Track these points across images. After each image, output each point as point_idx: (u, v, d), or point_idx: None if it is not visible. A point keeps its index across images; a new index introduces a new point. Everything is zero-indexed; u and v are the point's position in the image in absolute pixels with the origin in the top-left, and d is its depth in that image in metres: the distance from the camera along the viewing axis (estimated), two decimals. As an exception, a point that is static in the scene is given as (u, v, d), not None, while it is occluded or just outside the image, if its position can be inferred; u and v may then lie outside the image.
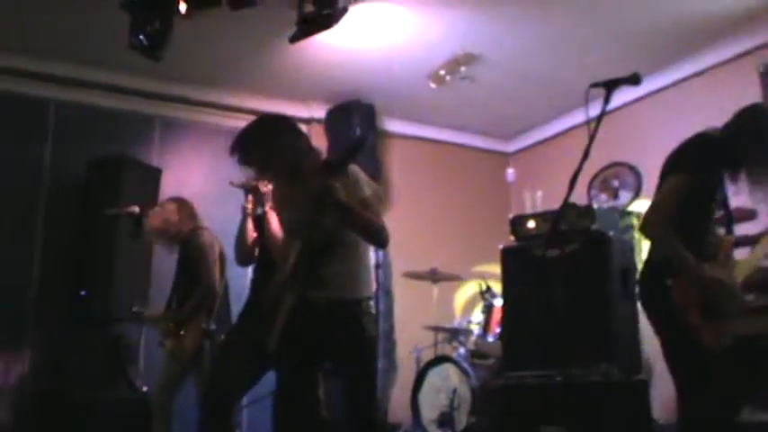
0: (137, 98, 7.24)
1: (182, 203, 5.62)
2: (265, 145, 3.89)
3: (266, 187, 4.55)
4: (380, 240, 3.84)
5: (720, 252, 3.58)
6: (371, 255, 4.00)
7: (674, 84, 6.92)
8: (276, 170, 3.94)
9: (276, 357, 3.86)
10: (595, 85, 3.50)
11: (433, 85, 7.26)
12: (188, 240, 5.45)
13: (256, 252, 4.72)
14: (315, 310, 3.76)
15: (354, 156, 3.61)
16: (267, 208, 4.49)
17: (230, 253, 4.90)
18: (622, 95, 6.56)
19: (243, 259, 4.72)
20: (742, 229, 5.11)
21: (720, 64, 6.52)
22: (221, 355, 4.73)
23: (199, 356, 5.22)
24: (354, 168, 3.80)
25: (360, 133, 3.63)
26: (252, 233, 4.65)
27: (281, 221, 4.19)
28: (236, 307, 5.05)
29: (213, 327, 5.14)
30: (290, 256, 3.83)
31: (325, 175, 3.60)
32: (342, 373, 3.86)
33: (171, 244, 5.58)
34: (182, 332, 5.23)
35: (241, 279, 5.37)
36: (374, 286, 3.98)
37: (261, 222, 4.58)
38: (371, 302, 3.93)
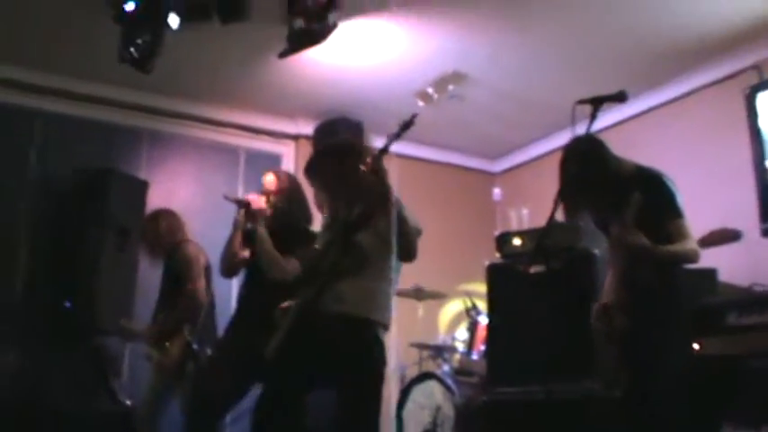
0: (125, 111, 7.23)
1: (170, 215, 5.63)
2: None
3: (258, 204, 4.58)
4: (412, 255, 3.86)
5: None
6: (394, 284, 3.95)
7: (662, 104, 6.97)
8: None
9: (272, 365, 3.82)
10: (582, 101, 3.54)
11: (420, 104, 7.27)
12: (173, 252, 5.45)
13: (241, 266, 4.73)
14: (326, 323, 3.73)
15: (406, 130, 3.73)
16: (259, 225, 4.51)
17: (217, 265, 4.89)
18: (610, 115, 6.65)
19: (227, 271, 4.73)
20: (731, 250, 5.18)
21: (707, 85, 6.57)
22: (207, 370, 4.71)
23: (182, 370, 5.20)
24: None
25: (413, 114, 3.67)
26: (239, 248, 4.66)
27: (327, 214, 4.17)
28: (222, 321, 5.05)
29: (195, 346, 5.12)
30: (322, 267, 3.82)
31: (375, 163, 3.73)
32: (340, 399, 3.74)
33: (157, 256, 5.58)
34: (167, 344, 5.22)
35: (226, 293, 5.36)
36: (390, 317, 3.88)
37: (251, 239, 4.59)
38: (385, 331, 3.85)
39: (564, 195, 3.73)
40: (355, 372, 3.72)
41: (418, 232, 3.93)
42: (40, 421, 5.88)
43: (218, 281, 5.33)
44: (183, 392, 5.22)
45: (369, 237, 3.81)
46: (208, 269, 5.42)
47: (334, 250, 3.81)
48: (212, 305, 5.42)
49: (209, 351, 5.10)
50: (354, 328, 3.73)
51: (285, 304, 3.90)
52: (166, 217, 5.64)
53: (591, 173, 3.78)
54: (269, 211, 4.60)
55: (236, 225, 4.63)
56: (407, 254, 3.84)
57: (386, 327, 3.86)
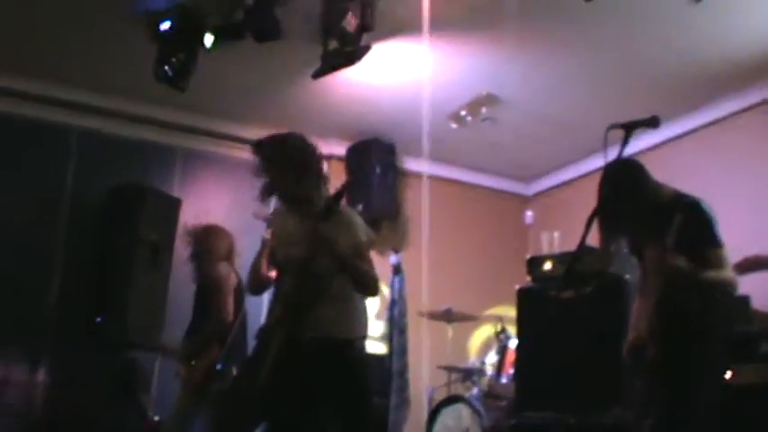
0: (159, 128, 7.32)
1: (219, 233, 5.64)
2: (288, 156, 3.98)
3: None
4: (369, 290, 3.90)
5: None
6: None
7: (697, 129, 6.91)
8: (286, 188, 3.97)
9: (265, 399, 3.86)
10: (614, 126, 3.51)
11: (453, 126, 7.28)
12: (205, 271, 5.46)
13: (268, 285, 4.74)
14: (304, 350, 3.77)
15: (339, 200, 3.66)
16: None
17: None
18: (643, 140, 6.57)
19: (254, 289, 4.70)
20: (764, 277, 5.12)
21: (744, 110, 6.51)
22: (231, 394, 4.71)
23: (206, 389, 5.22)
24: (350, 212, 3.83)
25: (344, 182, 3.68)
26: (266, 266, 4.67)
27: (275, 256, 4.19)
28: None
29: (220, 366, 5.16)
30: (282, 294, 3.88)
31: (322, 216, 3.65)
32: (337, 417, 3.84)
33: (195, 271, 5.59)
34: (192, 363, 5.23)
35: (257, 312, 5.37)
36: (368, 328, 4.00)
37: None
38: (365, 343, 3.95)
39: (602, 219, 3.71)
40: (342, 387, 3.82)
41: (370, 243, 3.95)
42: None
43: (251, 301, 5.34)
44: (206, 412, 5.24)
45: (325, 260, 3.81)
46: (239, 289, 5.42)
47: (295, 279, 3.85)
48: (243, 325, 5.42)
49: (235, 371, 5.12)
50: (334, 350, 3.82)
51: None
52: (216, 233, 5.65)
53: (631, 197, 3.75)
54: None
55: (263, 243, 4.64)
56: (364, 294, 3.94)
57: (363, 337, 3.95)
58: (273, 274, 4.66)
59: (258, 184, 4.07)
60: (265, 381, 3.81)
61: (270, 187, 4.06)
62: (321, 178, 4.07)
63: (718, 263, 3.64)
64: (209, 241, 5.58)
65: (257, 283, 4.64)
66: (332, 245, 3.67)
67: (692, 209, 3.70)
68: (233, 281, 5.43)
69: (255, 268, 4.61)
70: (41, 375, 6.42)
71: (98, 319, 6.19)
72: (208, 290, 5.40)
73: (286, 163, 3.99)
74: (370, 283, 3.85)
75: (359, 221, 3.93)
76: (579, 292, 3.94)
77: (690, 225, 3.58)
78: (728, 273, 3.67)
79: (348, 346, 3.86)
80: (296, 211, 4.01)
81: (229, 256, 5.56)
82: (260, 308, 6.19)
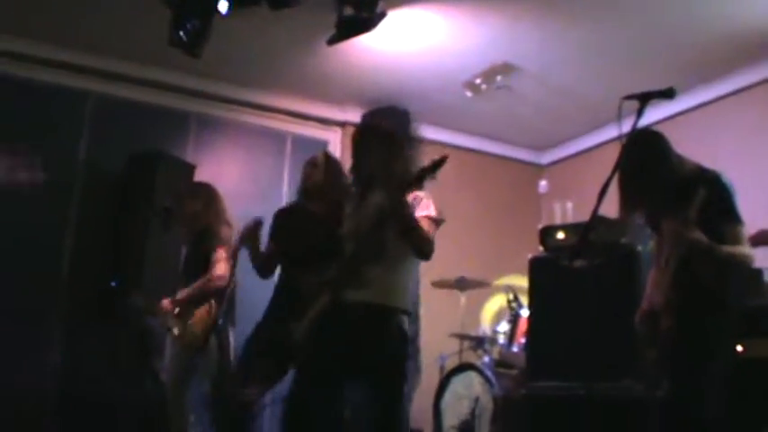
0: (174, 94, 7.33)
1: (211, 193, 5.63)
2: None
3: None
4: (428, 253, 3.83)
5: None
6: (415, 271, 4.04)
7: (714, 100, 6.87)
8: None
9: (301, 361, 3.87)
10: (629, 97, 3.50)
11: (468, 94, 7.26)
12: (206, 232, 5.46)
13: (271, 262, 4.79)
14: (349, 312, 3.76)
15: (437, 169, 3.61)
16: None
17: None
18: (659, 111, 6.54)
19: (261, 272, 4.81)
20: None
21: (760, 82, 6.47)
22: (242, 358, 4.73)
23: (206, 347, 5.26)
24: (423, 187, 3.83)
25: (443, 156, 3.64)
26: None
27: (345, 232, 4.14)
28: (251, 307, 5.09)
29: (221, 321, 5.20)
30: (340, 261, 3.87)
31: (402, 187, 3.63)
32: (367, 388, 3.81)
33: (189, 233, 5.59)
34: (189, 321, 5.25)
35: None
36: (412, 303, 3.99)
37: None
38: (407, 318, 3.88)
39: (624, 190, 3.71)
40: (380, 356, 3.76)
41: (439, 222, 3.92)
42: (84, 398, 5.99)
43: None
44: (206, 370, 5.29)
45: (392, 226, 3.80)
46: (236, 255, 5.45)
47: (360, 236, 3.83)
48: (234, 290, 5.44)
49: (230, 332, 5.21)
50: (377, 316, 3.77)
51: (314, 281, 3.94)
52: (207, 194, 5.63)
53: (655, 168, 3.74)
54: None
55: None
56: (421, 257, 3.90)
57: (407, 312, 3.90)
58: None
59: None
60: (304, 337, 3.84)
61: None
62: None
63: (737, 239, 3.64)
64: (216, 202, 5.60)
65: (261, 268, 4.71)
66: (405, 207, 3.67)
67: (716, 183, 3.69)
68: (233, 245, 5.46)
69: (255, 256, 4.69)
70: (55, 341, 6.48)
71: (112, 283, 6.22)
72: (208, 251, 5.40)
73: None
74: (430, 248, 3.82)
75: (428, 197, 3.94)
76: (591, 262, 3.92)
77: (712, 200, 3.57)
78: (746, 249, 3.67)
79: (392, 315, 3.81)
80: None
81: (228, 218, 5.59)
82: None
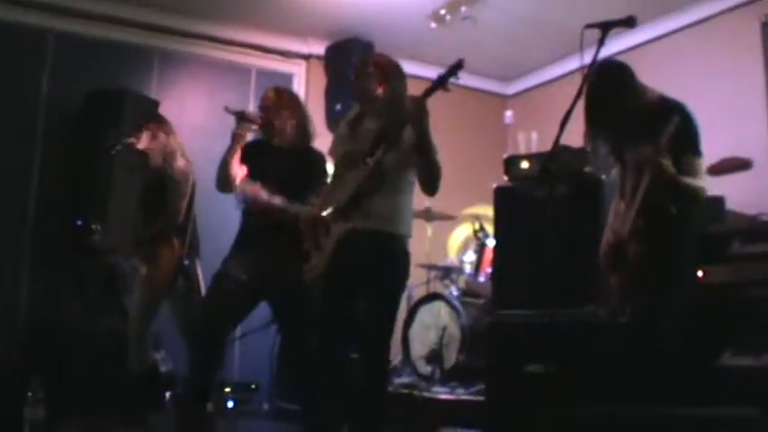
0: (135, 30, 7.22)
1: (164, 126, 5.60)
2: None
3: (253, 114, 4.70)
4: (436, 185, 4.11)
5: None
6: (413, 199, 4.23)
7: (676, 30, 6.88)
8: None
9: (322, 288, 4.05)
10: (590, 26, 3.54)
11: (433, 25, 7.22)
12: (163, 167, 5.45)
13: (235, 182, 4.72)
14: (356, 239, 3.93)
15: (450, 76, 3.98)
16: (241, 129, 4.61)
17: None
18: (622, 41, 6.55)
19: (222, 185, 4.67)
20: (739, 178, 5.18)
21: (722, 12, 6.45)
22: (212, 290, 4.73)
23: (173, 285, 5.29)
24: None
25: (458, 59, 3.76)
26: (237, 164, 4.65)
27: (336, 156, 4.27)
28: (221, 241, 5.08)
29: (186, 261, 5.27)
30: (339, 190, 4.02)
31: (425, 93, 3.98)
32: (374, 300, 4.02)
33: (146, 169, 5.58)
34: (156, 258, 5.27)
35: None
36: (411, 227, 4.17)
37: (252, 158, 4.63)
38: (409, 241, 4.10)
39: (589, 118, 3.74)
40: (383, 283, 4.01)
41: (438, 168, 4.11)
42: (53, 339, 6.01)
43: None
44: (175, 308, 5.34)
45: (392, 152, 3.95)
46: (193, 188, 5.46)
47: (357, 164, 3.99)
48: (194, 224, 5.46)
49: (198, 267, 5.29)
50: (383, 242, 3.96)
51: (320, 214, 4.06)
52: (163, 128, 5.61)
53: (618, 97, 3.77)
54: (260, 121, 4.63)
55: (234, 139, 4.62)
56: (430, 187, 4.14)
57: (408, 236, 4.11)
58: (243, 171, 4.68)
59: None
60: (325, 266, 3.99)
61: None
62: None
63: (696, 171, 3.69)
64: (173, 137, 5.58)
65: (225, 180, 4.64)
66: (421, 120, 3.92)
67: (686, 115, 3.73)
68: (191, 180, 5.45)
69: (225, 163, 4.62)
70: (23, 280, 6.47)
71: (78, 222, 6.19)
72: (165, 185, 5.39)
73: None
74: (439, 174, 4.08)
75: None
76: (553, 191, 3.96)
77: (682, 130, 3.61)
78: (704, 182, 3.74)
79: (396, 241, 4.01)
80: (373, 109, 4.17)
81: (183, 152, 5.57)
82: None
